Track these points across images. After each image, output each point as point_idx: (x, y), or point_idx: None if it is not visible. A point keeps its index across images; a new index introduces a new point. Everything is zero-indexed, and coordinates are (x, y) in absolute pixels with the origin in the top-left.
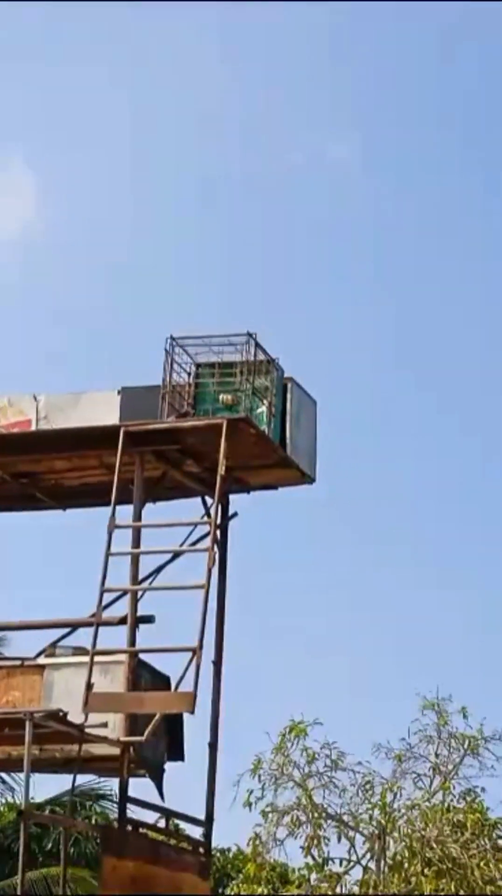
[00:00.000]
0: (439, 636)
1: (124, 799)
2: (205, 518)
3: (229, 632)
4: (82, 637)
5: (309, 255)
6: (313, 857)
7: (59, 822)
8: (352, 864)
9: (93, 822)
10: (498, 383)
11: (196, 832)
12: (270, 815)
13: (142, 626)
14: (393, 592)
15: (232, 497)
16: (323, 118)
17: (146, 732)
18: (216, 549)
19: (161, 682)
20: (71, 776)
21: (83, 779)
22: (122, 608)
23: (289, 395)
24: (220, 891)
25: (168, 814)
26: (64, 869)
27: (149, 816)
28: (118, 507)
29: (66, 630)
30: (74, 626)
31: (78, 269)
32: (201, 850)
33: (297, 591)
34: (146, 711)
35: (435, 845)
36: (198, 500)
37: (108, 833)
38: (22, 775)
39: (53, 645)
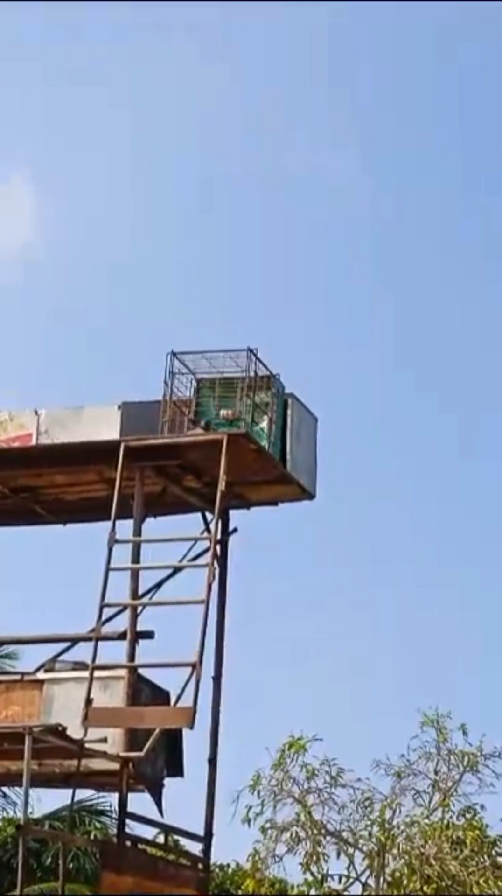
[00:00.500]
0: (439, 652)
1: (123, 814)
2: (205, 533)
3: (229, 647)
4: (82, 652)
5: (308, 257)
6: (312, 874)
7: (57, 837)
8: (351, 880)
9: (92, 837)
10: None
11: (195, 848)
12: (269, 831)
13: (141, 641)
14: (393, 609)
15: (232, 512)
16: (321, 120)
17: (145, 748)
18: (216, 564)
19: (160, 697)
20: (70, 791)
21: (82, 794)
22: (121, 623)
23: (289, 411)
24: None
25: (167, 829)
26: (62, 884)
27: (148, 832)
28: (118, 522)
29: (66, 645)
30: (74, 640)
31: (78, 277)
32: (200, 865)
33: (298, 607)
34: (145, 726)
35: (434, 862)
36: (199, 515)
37: (106, 848)
38: (21, 790)
39: (53, 659)
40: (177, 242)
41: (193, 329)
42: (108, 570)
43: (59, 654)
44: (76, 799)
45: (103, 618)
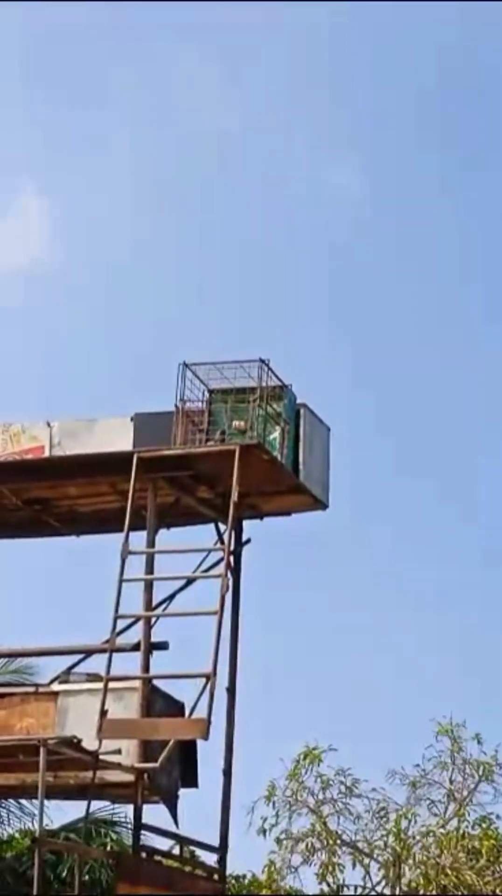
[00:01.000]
0: (454, 660)
1: (139, 826)
2: (219, 544)
3: (243, 658)
4: (96, 663)
5: (315, 264)
6: (328, 884)
7: (73, 849)
8: (367, 890)
9: (107, 849)
10: None
11: (210, 859)
12: (285, 842)
13: (155, 653)
14: (409, 618)
15: (245, 523)
16: (323, 139)
17: (160, 759)
18: (229, 574)
19: (175, 708)
20: (85, 803)
21: (97, 805)
22: (135, 634)
23: (301, 421)
24: None
25: (182, 840)
26: None
27: (164, 843)
28: (132, 534)
29: (80, 656)
30: (88, 652)
31: (87, 290)
32: (216, 876)
33: (312, 617)
34: (160, 738)
35: (450, 872)
36: (212, 526)
37: (122, 860)
38: (37, 802)
39: (67, 671)
40: (183, 252)
41: (205, 340)
42: (121, 581)
43: (74, 666)
44: (91, 811)
45: (117, 629)
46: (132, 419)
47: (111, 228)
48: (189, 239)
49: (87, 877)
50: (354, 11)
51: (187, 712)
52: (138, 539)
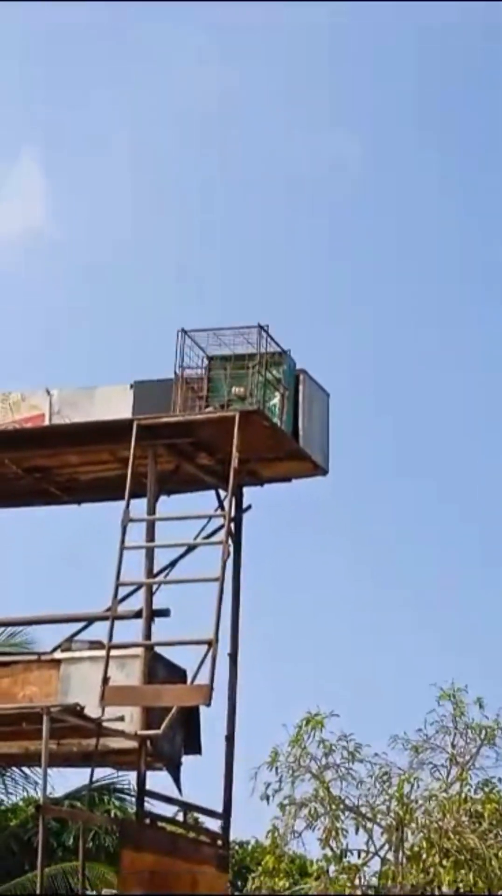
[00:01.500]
0: (456, 624)
1: (142, 792)
2: (219, 511)
3: (244, 624)
4: (98, 631)
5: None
6: (331, 849)
7: (77, 816)
8: (370, 855)
9: (111, 815)
10: None
11: (214, 825)
12: (288, 807)
13: (157, 620)
14: (410, 582)
15: (245, 489)
16: (323, 118)
17: (163, 726)
18: (230, 541)
19: (177, 675)
20: (88, 772)
21: (101, 773)
22: (137, 602)
23: (301, 387)
24: (240, 884)
25: (186, 807)
26: (82, 863)
27: (167, 810)
28: (132, 501)
29: (82, 624)
30: (90, 620)
31: (87, 256)
32: (219, 842)
33: (313, 582)
34: (162, 705)
35: (452, 836)
36: (212, 493)
37: (126, 827)
38: (41, 769)
39: (69, 639)
40: (183, 218)
41: (202, 307)
42: (122, 548)
43: (75, 634)
44: (95, 778)
45: (119, 597)
46: (131, 387)
47: (111, 199)
48: (189, 209)
49: (91, 844)
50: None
51: (189, 679)
52: (139, 507)
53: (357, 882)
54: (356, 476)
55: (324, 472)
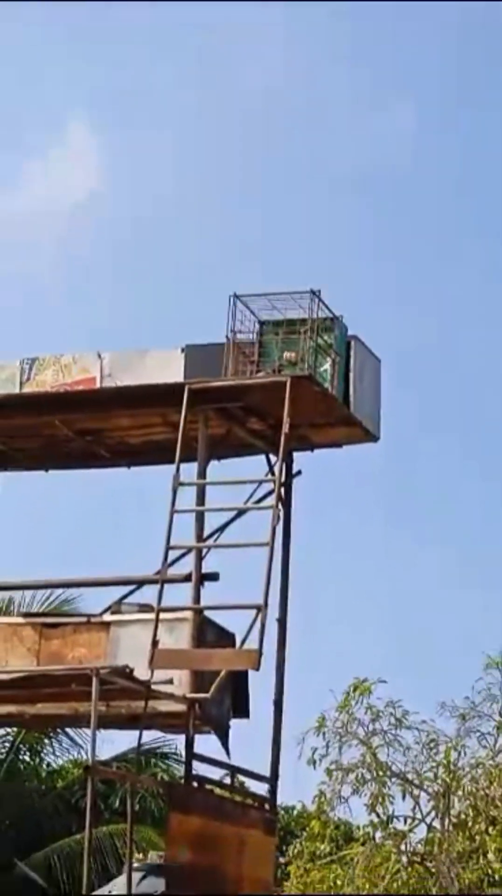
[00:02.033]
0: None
1: (190, 755)
2: (270, 476)
3: (294, 589)
4: (147, 594)
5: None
6: (377, 815)
7: (125, 777)
8: (416, 822)
9: (159, 779)
10: None
11: (261, 789)
12: (335, 773)
13: (206, 584)
14: (459, 547)
15: (296, 455)
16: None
17: (212, 689)
18: (280, 506)
19: (226, 639)
20: (136, 735)
21: (149, 736)
22: (186, 566)
23: (352, 353)
24: (284, 848)
25: (233, 770)
26: (130, 825)
27: (215, 773)
28: (182, 465)
29: (132, 587)
30: (140, 583)
31: (140, 221)
32: (266, 806)
33: (363, 548)
34: (212, 668)
35: (499, 804)
36: (263, 457)
37: (174, 789)
38: (89, 731)
39: (119, 602)
40: (240, 181)
41: (256, 272)
42: (172, 512)
43: (125, 597)
44: (143, 741)
45: (168, 560)
46: (183, 350)
47: (157, 162)
48: (234, 175)
49: (138, 806)
50: None
51: (238, 643)
52: (189, 470)
53: (403, 848)
54: (402, 439)
55: (376, 438)
